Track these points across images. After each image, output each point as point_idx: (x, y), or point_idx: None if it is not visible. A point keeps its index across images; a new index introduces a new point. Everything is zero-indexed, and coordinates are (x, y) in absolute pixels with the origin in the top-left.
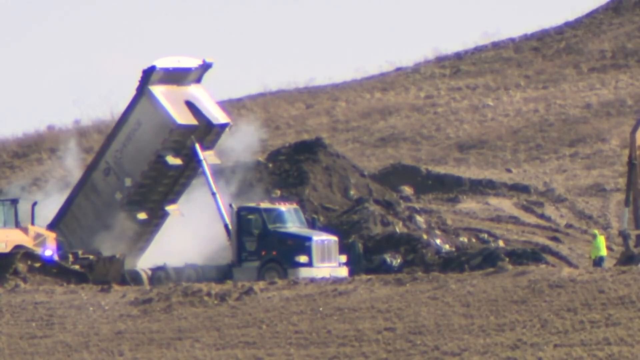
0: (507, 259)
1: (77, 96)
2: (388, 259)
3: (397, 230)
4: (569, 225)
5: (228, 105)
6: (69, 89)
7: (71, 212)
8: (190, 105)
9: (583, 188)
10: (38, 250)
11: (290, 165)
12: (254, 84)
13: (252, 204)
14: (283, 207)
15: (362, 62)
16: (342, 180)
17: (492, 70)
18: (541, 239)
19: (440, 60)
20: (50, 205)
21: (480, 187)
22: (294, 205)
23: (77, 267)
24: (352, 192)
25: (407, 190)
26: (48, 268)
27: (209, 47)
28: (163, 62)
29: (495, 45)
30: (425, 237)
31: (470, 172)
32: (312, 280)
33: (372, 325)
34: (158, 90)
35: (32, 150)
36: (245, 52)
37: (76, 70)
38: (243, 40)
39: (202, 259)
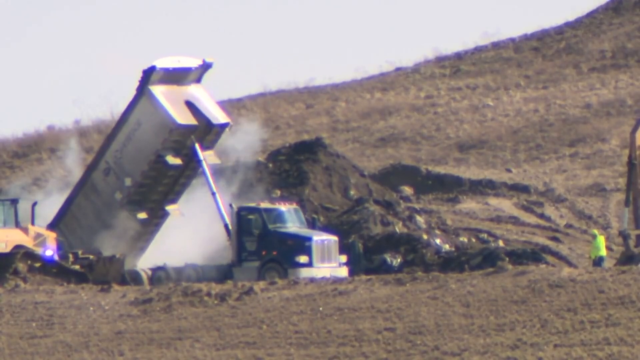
0: (507, 259)
1: (77, 96)
2: (388, 259)
3: (397, 230)
4: (568, 225)
5: (228, 105)
6: (69, 89)
7: (71, 212)
8: (190, 105)
9: (583, 188)
10: (38, 250)
11: (291, 165)
12: (254, 84)
13: (252, 204)
14: (283, 207)
15: (362, 62)
16: (342, 180)
17: (492, 70)
18: (541, 239)
19: (440, 60)
20: (50, 205)
21: (480, 187)
22: (294, 205)
23: (77, 267)
24: (352, 192)
25: (407, 190)
26: (48, 268)
27: (209, 47)
28: (163, 62)
29: (495, 45)
30: (425, 237)
31: (470, 172)
32: (312, 280)
33: (372, 325)
34: (158, 90)
35: (32, 150)
36: (245, 52)
37: (76, 70)
38: (243, 40)
39: (202, 259)
